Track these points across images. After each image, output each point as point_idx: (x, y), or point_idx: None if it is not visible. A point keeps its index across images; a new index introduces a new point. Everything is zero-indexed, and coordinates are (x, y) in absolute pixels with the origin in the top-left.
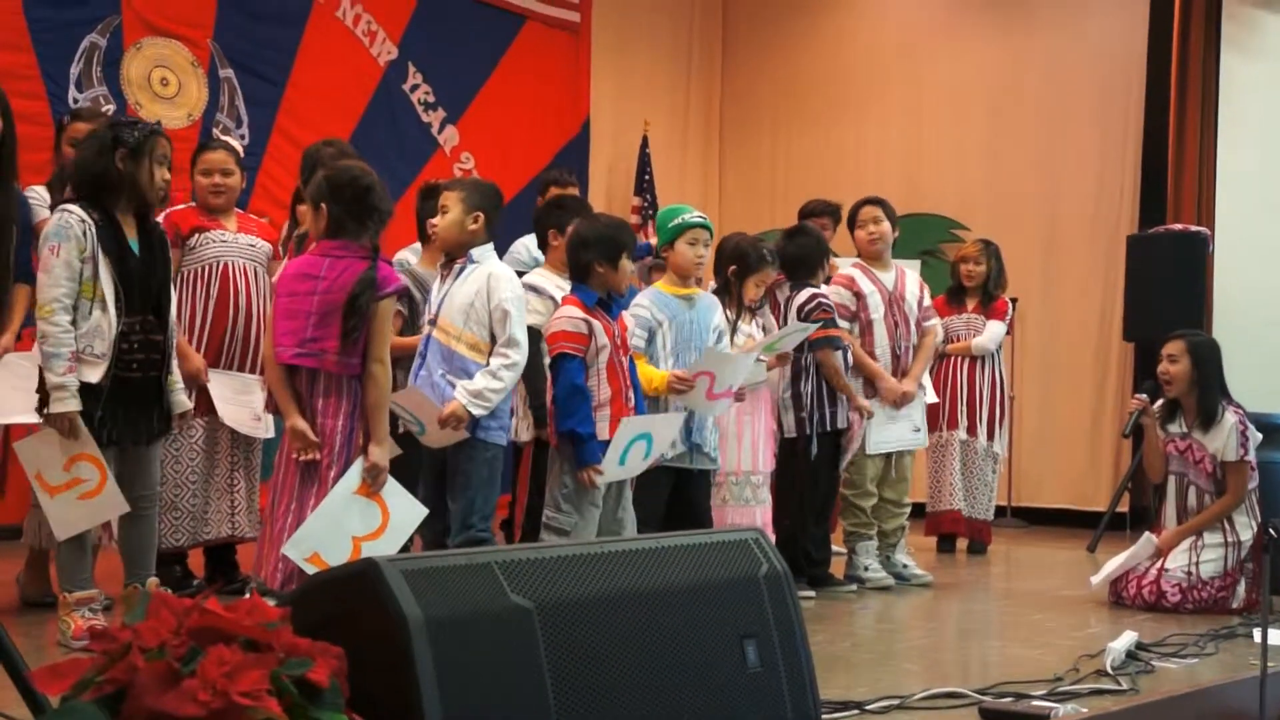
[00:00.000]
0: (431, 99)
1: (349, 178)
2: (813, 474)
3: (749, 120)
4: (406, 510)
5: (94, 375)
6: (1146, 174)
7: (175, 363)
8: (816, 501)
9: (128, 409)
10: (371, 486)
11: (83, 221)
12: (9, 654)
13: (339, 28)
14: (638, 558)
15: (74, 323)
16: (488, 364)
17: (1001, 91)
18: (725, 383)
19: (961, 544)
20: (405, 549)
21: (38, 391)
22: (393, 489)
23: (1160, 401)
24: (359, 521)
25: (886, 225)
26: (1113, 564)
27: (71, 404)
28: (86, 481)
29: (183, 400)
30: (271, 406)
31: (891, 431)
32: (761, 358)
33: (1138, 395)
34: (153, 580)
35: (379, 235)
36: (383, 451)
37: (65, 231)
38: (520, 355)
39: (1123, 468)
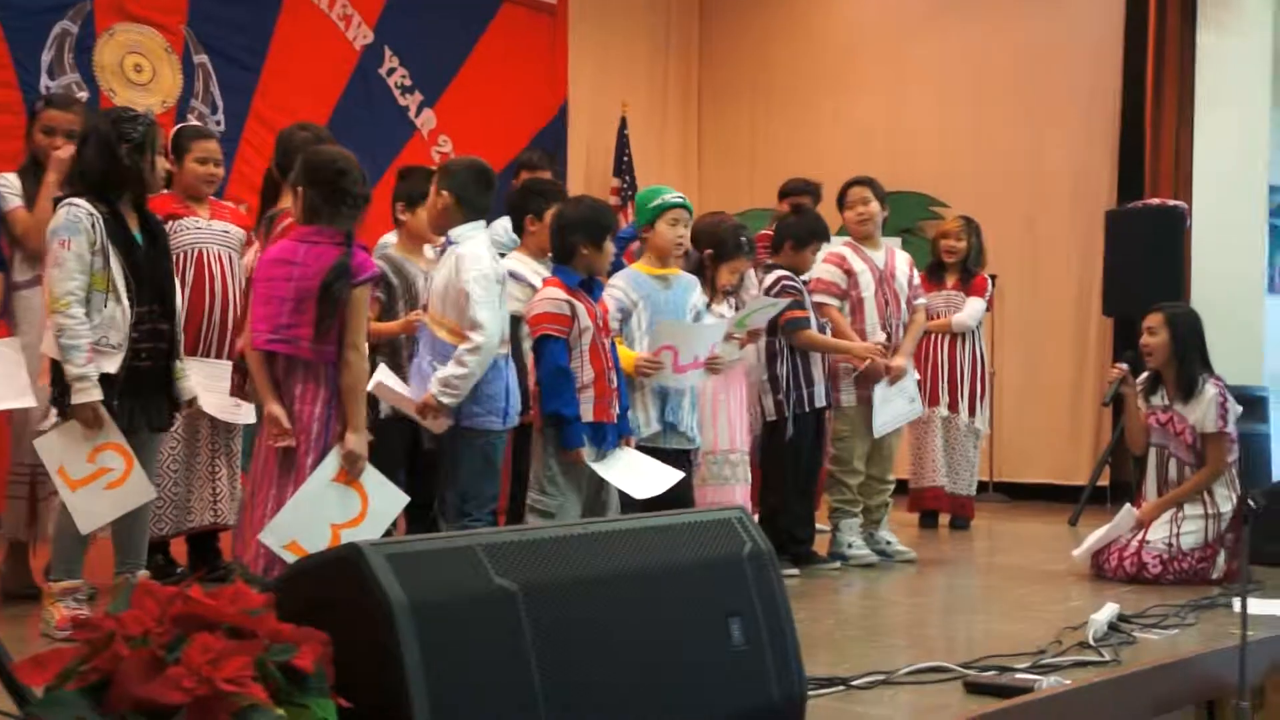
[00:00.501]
0: (408, 82)
1: (323, 161)
2: (794, 453)
3: (727, 100)
4: (387, 497)
5: (111, 366)
6: (1124, 150)
7: (181, 350)
8: (799, 480)
9: (138, 398)
10: (349, 473)
11: (90, 214)
12: None
13: (314, 11)
14: (622, 538)
15: (87, 314)
16: None
17: (981, 68)
18: (691, 353)
19: (944, 520)
20: (389, 534)
21: (53, 385)
22: (372, 476)
23: (1144, 375)
24: (337, 509)
25: (875, 205)
26: (1094, 536)
27: (94, 394)
28: (112, 470)
29: (189, 388)
30: (239, 392)
31: (890, 409)
32: (735, 335)
33: (1118, 364)
34: (143, 572)
35: (356, 221)
36: (359, 439)
37: (75, 225)
38: (483, 337)
39: (1103, 442)
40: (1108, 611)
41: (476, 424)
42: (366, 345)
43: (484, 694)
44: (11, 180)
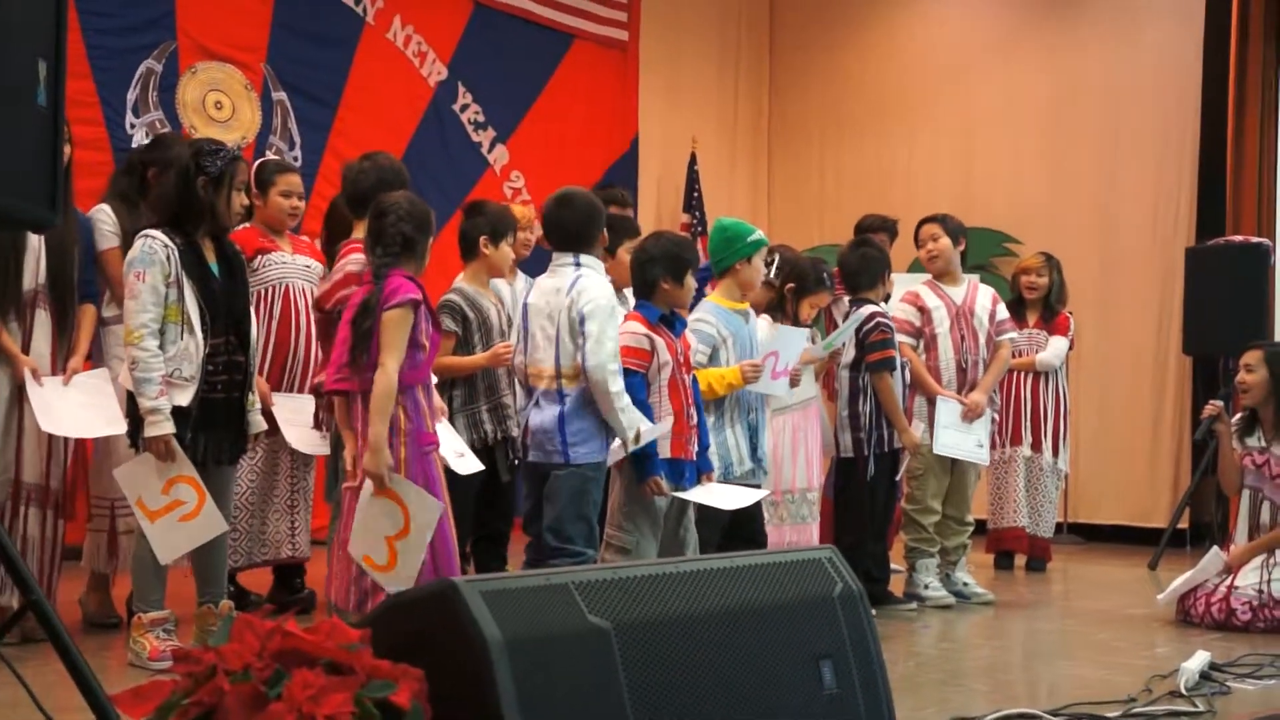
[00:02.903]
0: (481, 118)
1: (375, 204)
2: (870, 492)
3: (797, 135)
4: (424, 507)
5: (184, 398)
6: (1204, 185)
7: (255, 383)
8: (876, 519)
9: (211, 430)
10: (375, 487)
11: (166, 246)
12: (85, 677)
13: (390, 49)
14: (714, 577)
15: (161, 347)
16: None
17: (1055, 103)
18: (785, 360)
19: (1019, 561)
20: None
21: (128, 417)
22: (404, 485)
23: (1239, 415)
24: (388, 522)
25: (945, 241)
26: (1180, 580)
27: (166, 427)
28: (185, 504)
29: (260, 420)
30: (319, 425)
31: (956, 438)
32: (819, 357)
33: (1213, 401)
34: (225, 603)
35: (400, 259)
36: (370, 457)
37: (150, 257)
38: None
39: (1182, 484)
40: (1199, 660)
41: (574, 459)
42: (394, 363)
43: None
44: (110, 217)
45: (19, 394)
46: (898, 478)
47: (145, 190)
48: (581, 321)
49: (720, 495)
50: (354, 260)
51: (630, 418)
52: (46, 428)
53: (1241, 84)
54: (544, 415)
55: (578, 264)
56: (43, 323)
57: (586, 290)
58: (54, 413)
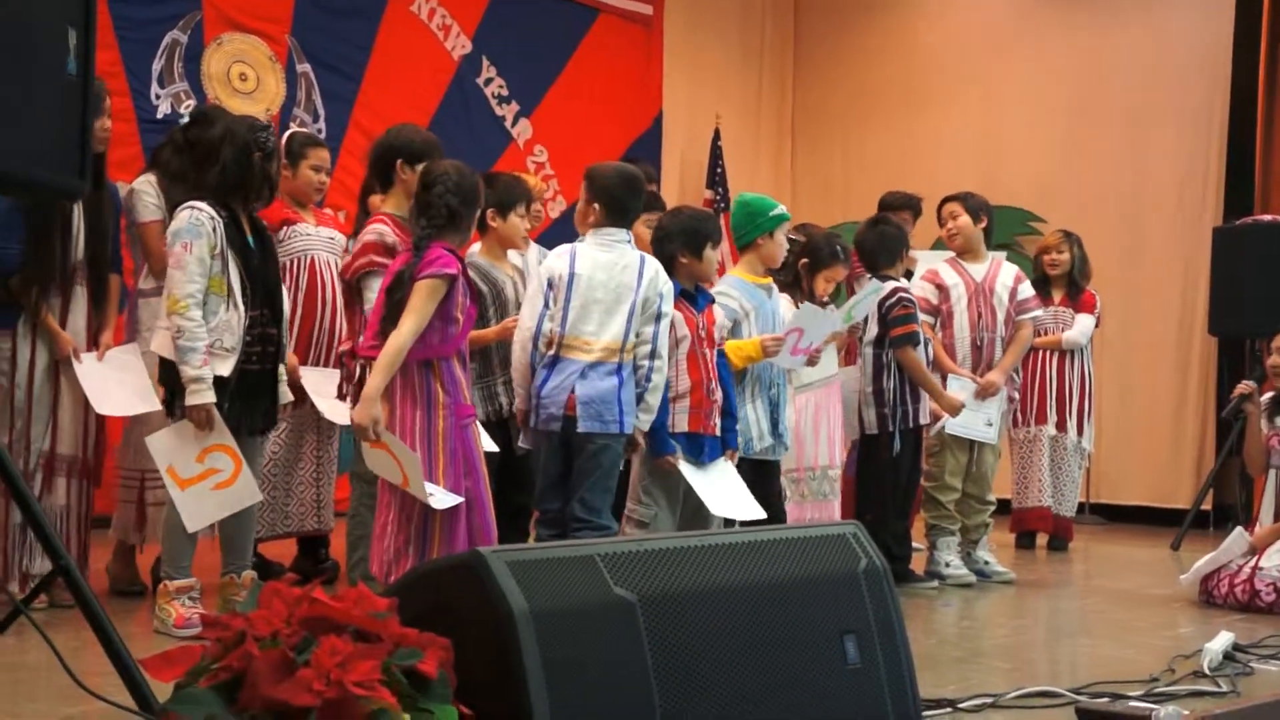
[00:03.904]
0: (505, 92)
1: (424, 172)
2: (894, 468)
3: (821, 113)
4: (410, 460)
5: (224, 369)
6: (1232, 164)
7: (285, 355)
8: (898, 496)
9: (245, 400)
10: (369, 440)
11: (213, 219)
12: (112, 642)
13: (414, 22)
14: (739, 551)
15: (204, 317)
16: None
17: (1079, 81)
18: (808, 339)
19: (1041, 540)
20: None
21: (163, 384)
22: (394, 442)
23: (1269, 395)
24: (392, 472)
25: (965, 219)
26: (1204, 560)
27: (209, 395)
28: (221, 471)
29: (287, 392)
30: (341, 395)
31: (967, 417)
32: (839, 331)
33: (1246, 381)
34: (249, 573)
35: (444, 231)
36: (361, 408)
37: (198, 229)
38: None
39: (1206, 465)
40: (1222, 640)
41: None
42: (412, 326)
43: (602, 702)
44: (155, 189)
45: (56, 368)
46: (922, 457)
47: (190, 164)
48: (660, 300)
49: (720, 493)
50: (371, 230)
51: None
52: (100, 409)
53: (1273, 62)
54: (599, 386)
55: (629, 240)
56: (79, 297)
57: (662, 271)
58: (102, 394)
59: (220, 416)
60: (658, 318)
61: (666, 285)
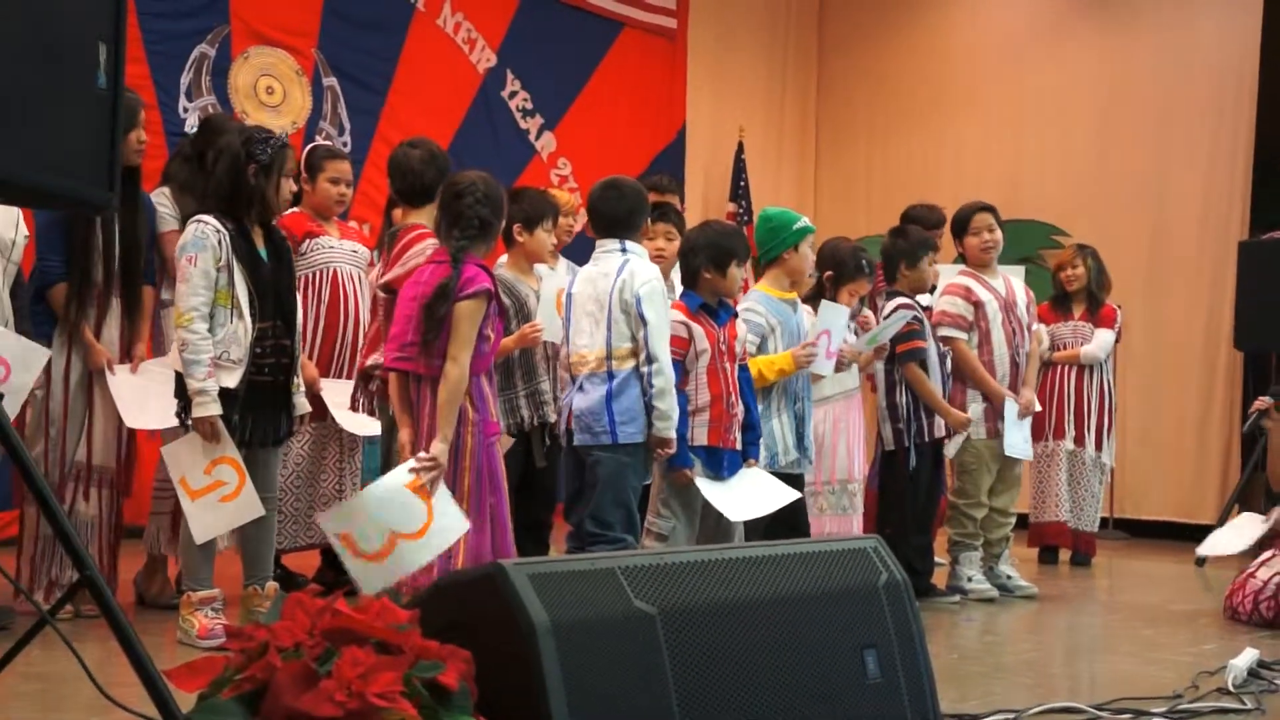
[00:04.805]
0: (529, 105)
1: (448, 184)
2: (913, 483)
3: (844, 126)
4: (450, 521)
5: (231, 380)
6: (1259, 177)
7: (300, 366)
8: (918, 510)
9: (257, 412)
10: (422, 481)
11: (218, 232)
12: (136, 651)
13: (439, 35)
14: (759, 565)
15: (210, 330)
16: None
17: (1106, 93)
18: (834, 341)
19: (1064, 555)
20: None
21: (176, 396)
22: (443, 496)
23: None
24: (400, 516)
25: (1000, 233)
26: (1219, 535)
27: (213, 408)
28: (226, 484)
29: (304, 403)
30: (355, 405)
31: (1015, 437)
32: (863, 352)
33: (1262, 397)
34: (272, 584)
35: (476, 241)
36: (443, 449)
37: (202, 242)
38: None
39: (1230, 480)
40: (1247, 657)
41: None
42: (466, 357)
43: (622, 714)
44: (170, 200)
45: (90, 380)
46: (942, 471)
47: (199, 175)
48: (638, 303)
49: (741, 496)
50: (424, 249)
51: (674, 404)
52: (131, 423)
53: None
54: (589, 397)
55: (624, 249)
56: (113, 309)
57: (639, 272)
58: (134, 407)
59: (225, 429)
60: (644, 321)
61: (645, 287)
